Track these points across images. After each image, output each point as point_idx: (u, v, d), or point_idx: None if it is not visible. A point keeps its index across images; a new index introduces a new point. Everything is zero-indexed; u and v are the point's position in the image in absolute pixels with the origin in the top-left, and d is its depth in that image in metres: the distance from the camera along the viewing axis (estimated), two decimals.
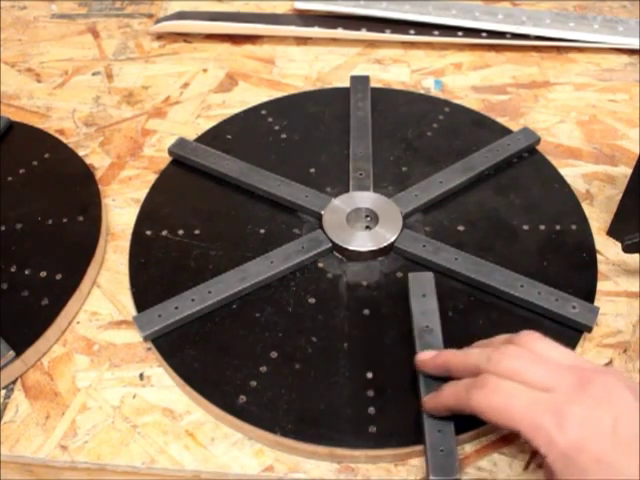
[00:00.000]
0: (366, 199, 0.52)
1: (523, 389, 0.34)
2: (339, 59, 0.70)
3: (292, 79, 0.68)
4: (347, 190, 0.53)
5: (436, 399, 0.39)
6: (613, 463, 0.31)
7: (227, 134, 0.60)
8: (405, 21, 0.70)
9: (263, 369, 0.43)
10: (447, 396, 0.38)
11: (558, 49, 0.70)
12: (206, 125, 0.61)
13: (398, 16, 0.70)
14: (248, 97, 0.65)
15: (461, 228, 0.52)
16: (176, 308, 0.46)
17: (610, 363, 0.45)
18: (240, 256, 0.49)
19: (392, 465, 0.40)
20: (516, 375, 0.35)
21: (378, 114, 0.61)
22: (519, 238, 0.51)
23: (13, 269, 0.49)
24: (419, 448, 0.40)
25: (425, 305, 0.45)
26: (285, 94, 0.64)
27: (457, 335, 0.43)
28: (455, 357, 0.39)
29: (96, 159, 0.59)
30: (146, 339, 0.45)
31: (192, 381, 0.43)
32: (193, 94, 0.66)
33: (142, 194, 0.55)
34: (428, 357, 0.41)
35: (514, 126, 0.60)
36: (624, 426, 0.32)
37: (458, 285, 0.48)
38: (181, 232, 0.52)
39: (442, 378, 0.40)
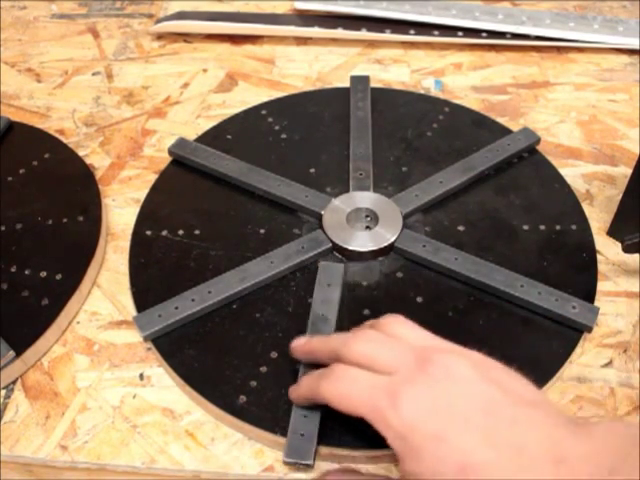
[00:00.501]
0: (366, 199, 0.52)
1: (366, 374, 0.34)
2: (339, 59, 0.70)
3: (292, 79, 0.68)
4: (347, 190, 0.53)
5: (296, 390, 0.39)
6: (449, 439, 0.31)
7: (227, 134, 0.60)
8: (405, 21, 0.70)
9: (263, 369, 0.43)
10: (303, 387, 0.38)
11: (558, 49, 0.70)
12: (206, 125, 0.61)
13: (398, 16, 0.70)
14: (248, 97, 0.65)
15: (461, 228, 0.52)
16: (176, 308, 0.46)
17: (610, 363, 0.45)
18: (240, 256, 0.49)
19: (392, 465, 0.40)
20: (365, 359, 0.35)
21: (378, 114, 0.61)
22: (519, 238, 0.51)
23: (13, 269, 0.49)
24: None
25: (327, 294, 0.46)
26: (285, 94, 0.64)
27: (457, 335, 0.43)
28: (318, 343, 0.39)
29: (96, 159, 0.59)
30: (146, 339, 0.45)
31: (192, 381, 0.43)
32: (193, 94, 0.66)
33: (142, 194, 0.55)
34: (299, 344, 0.41)
35: (514, 126, 0.60)
36: (462, 402, 0.32)
37: (458, 285, 0.48)
38: (181, 232, 0.52)
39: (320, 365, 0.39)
